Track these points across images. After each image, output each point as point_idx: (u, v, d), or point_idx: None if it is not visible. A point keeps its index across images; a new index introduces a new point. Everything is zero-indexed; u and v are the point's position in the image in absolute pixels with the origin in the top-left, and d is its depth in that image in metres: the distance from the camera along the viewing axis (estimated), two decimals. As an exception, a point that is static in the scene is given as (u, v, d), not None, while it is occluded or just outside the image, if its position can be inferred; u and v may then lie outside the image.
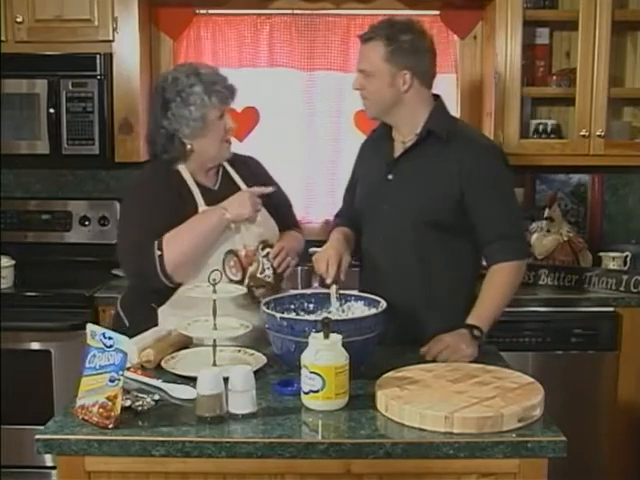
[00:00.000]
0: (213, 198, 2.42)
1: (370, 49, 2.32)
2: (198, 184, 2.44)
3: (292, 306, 2.23)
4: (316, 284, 2.47)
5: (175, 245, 2.29)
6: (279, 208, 2.57)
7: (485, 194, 2.29)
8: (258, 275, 2.34)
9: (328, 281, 2.24)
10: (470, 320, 2.23)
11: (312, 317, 2.14)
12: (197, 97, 2.37)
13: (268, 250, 2.38)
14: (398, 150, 2.40)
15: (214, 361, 2.05)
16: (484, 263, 2.37)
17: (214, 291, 2.07)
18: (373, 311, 2.12)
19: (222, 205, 2.37)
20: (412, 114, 2.35)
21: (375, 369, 2.01)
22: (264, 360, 2.12)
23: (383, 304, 2.12)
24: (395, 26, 2.32)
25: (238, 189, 2.48)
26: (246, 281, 2.32)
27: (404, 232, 2.34)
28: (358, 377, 1.97)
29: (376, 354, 2.11)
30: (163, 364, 2.10)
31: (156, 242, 2.28)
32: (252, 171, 2.58)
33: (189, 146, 2.41)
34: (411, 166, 2.35)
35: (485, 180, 2.29)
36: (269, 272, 2.35)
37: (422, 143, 2.34)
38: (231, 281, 2.31)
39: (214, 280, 2.06)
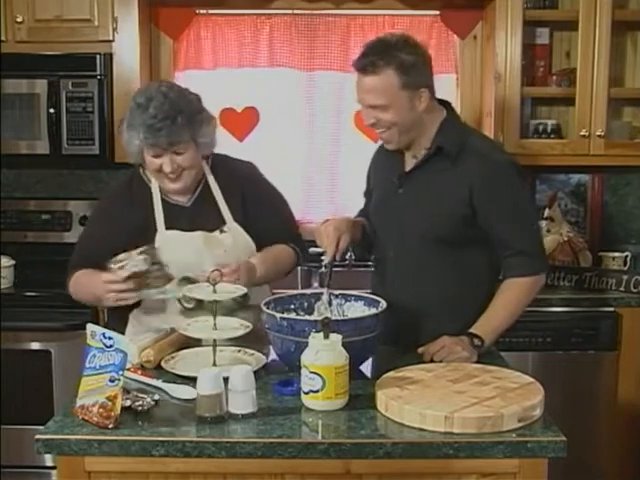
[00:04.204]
0: (182, 216, 2.34)
1: (381, 81, 2.17)
2: (167, 201, 2.36)
3: (292, 306, 2.22)
4: (316, 284, 2.46)
5: (75, 289, 2.39)
6: (267, 221, 2.42)
7: (499, 211, 2.23)
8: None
9: (326, 259, 2.19)
10: (473, 329, 2.21)
11: (312, 317, 2.14)
12: (125, 132, 2.32)
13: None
14: (409, 164, 2.33)
15: (214, 361, 2.05)
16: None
17: (214, 291, 2.08)
18: (373, 311, 2.12)
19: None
20: (425, 129, 2.27)
21: (375, 369, 2.01)
22: (264, 360, 2.12)
23: (383, 304, 2.12)
24: (395, 47, 2.18)
25: (215, 207, 2.36)
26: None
27: (413, 247, 2.29)
28: (358, 377, 1.97)
29: (376, 354, 2.11)
30: (163, 364, 2.10)
31: (71, 276, 2.39)
32: (240, 182, 2.41)
33: None
34: (421, 181, 2.29)
35: (498, 197, 2.22)
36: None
37: (432, 158, 2.27)
38: (185, 309, 2.29)
39: (214, 280, 2.06)
